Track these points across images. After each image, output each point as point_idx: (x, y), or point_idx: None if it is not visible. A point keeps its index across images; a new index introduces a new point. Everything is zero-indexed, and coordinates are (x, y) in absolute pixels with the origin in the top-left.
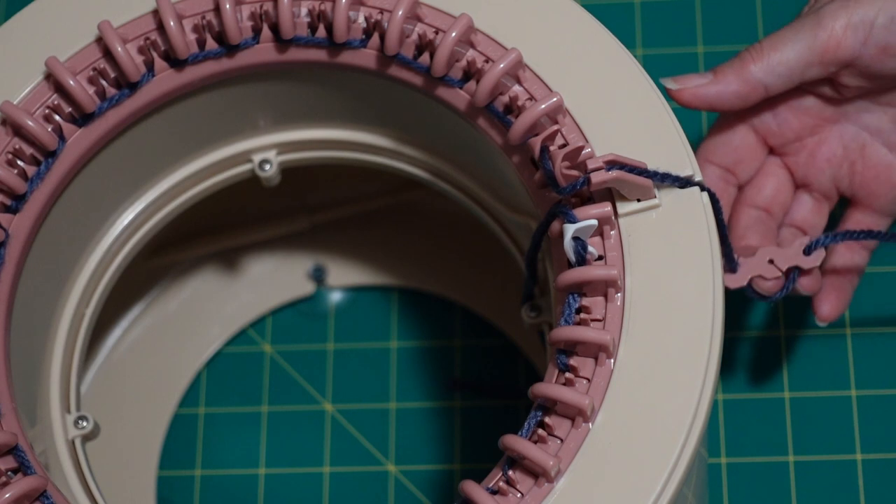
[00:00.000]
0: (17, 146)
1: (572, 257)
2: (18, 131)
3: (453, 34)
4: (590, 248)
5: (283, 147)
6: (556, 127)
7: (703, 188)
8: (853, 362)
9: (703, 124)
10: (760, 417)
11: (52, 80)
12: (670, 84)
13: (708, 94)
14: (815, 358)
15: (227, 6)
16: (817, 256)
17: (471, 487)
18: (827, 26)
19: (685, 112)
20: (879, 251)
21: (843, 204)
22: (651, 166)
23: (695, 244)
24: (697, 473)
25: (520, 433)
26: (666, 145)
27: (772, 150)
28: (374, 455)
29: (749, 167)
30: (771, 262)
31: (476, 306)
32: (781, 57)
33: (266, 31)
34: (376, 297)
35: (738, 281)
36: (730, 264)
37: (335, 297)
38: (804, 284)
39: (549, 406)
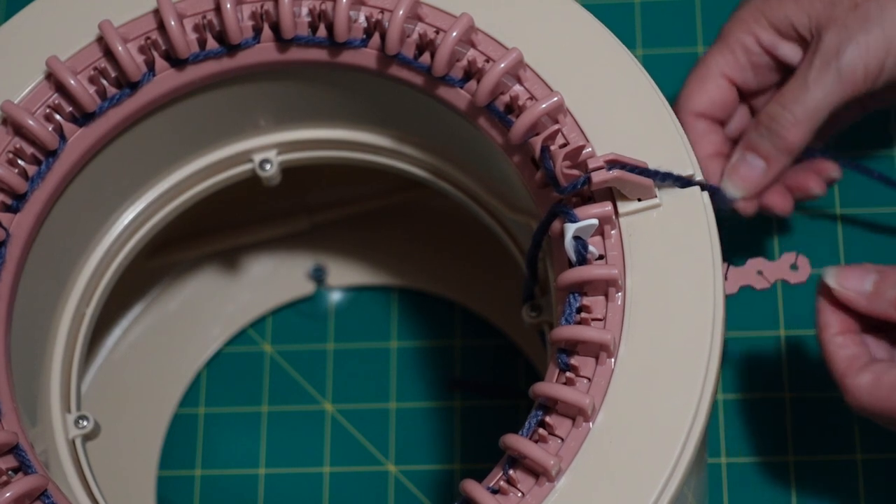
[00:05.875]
0: (17, 145)
1: (573, 257)
2: (19, 130)
3: (454, 34)
4: (590, 248)
5: (284, 147)
6: (556, 126)
7: (703, 188)
8: None
9: None
10: (760, 417)
11: (53, 80)
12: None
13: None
14: (814, 358)
15: (228, 6)
16: (804, 271)
17: (472, 487)
18: (849, 80)
19: None
20: (879, 252)
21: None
22: (651, 166)
23: (695, 244)
24: (697, 473)
25: (520, 432)
26: (666, 145)
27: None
28: (374, 455)
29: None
30: (760, 273)
31: (476, 306)
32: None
33: (267, 31)
34: (376, 297)
35: (729, 289)
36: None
37: (335, 297)
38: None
39: (550, 405)
